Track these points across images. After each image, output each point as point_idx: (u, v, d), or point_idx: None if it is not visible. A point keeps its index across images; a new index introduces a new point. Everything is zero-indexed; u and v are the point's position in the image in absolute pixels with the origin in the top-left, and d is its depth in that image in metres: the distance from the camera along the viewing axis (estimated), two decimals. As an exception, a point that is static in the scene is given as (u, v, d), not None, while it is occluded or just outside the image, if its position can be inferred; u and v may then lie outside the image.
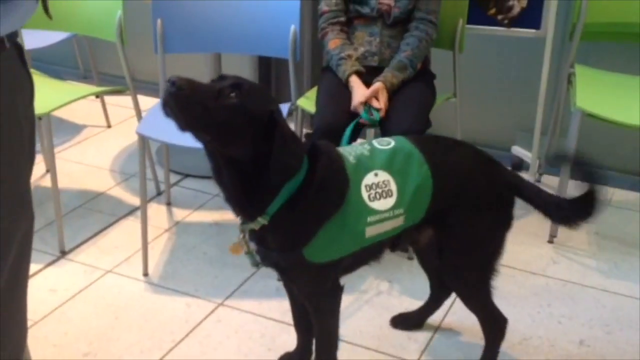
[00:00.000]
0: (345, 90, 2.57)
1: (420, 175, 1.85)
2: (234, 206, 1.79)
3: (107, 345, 2.31)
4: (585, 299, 2.56)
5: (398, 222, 1.84)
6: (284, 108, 2.72)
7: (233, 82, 1.65)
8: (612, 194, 3.28)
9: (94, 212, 3.07)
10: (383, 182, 1.83)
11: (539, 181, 3.34)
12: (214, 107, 1.60)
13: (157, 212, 3.07)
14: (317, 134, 2.48)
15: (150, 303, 2.51)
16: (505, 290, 2.58)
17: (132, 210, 3.08)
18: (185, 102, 1.56)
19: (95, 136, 3.76)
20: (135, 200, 3.12)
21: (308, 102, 2.73)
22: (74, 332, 2.36)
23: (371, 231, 1.81)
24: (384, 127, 2.52)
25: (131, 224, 2.97)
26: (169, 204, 3.14)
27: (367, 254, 1.91)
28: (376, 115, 2.46)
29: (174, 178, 3.29)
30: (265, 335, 2.36)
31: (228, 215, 3.05)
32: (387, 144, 1.89)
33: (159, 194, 3.20)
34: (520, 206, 3.14)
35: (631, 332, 2.40)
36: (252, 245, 1.87)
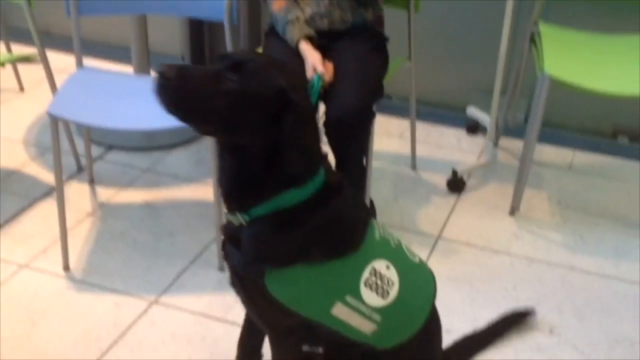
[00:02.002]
0: (297, 59, 2.27)
1: (420, 308, 1.62)
2: (222, 190, 1.52)
3: (23, 358, 2.01)
4: (552, 279, 2.37)
5: (364, 326, 1.55)
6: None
7: (233, 62, 1.38)
8: (573, 157, 3.09)
9: (6, 194, 2.71)
10: (388, 280, 1.55)
11: (496, 145, 3.12)
12: (210, 95, 1.36)
13: (78, 192, 2.73)
14: None
15: (72, 304, 2.21)
16: (468, 273, 2.38)
17: (49, 191, 2.73)
18: (177, 95, 1.36)
19: (6, 103, 3.36)
20: (53, 179, 2.77)
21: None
22: (-16, 344, 2.06)
23: (339, 311, 1.51)
24: (326, 103, 2.25)
25: (48, 208, 2.63)
26: (91, 182, 2.80)
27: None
28: (315, 83, 2.15)
29: (96, 151, 2.94)
30: (206, 338, 2.09)
31: (161, 194, 2.75)
32: (412, 256, 1.66)
33: (79, 170, 2.86)
34: (477, 175, 2.97)
35: (602, 316, 2.22)
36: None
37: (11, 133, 3.12)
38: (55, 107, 2.20)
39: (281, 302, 1.50)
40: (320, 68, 2.20)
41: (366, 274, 1.51)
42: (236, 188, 1.48)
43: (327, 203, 1.47)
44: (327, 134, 2.38)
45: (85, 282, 2.30)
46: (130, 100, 2.30)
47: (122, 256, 2.41)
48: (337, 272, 1.50)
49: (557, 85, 2.42)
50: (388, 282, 1.54)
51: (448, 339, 2.06)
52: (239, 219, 1.49)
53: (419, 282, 1.64)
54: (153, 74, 3.05)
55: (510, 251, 2.50)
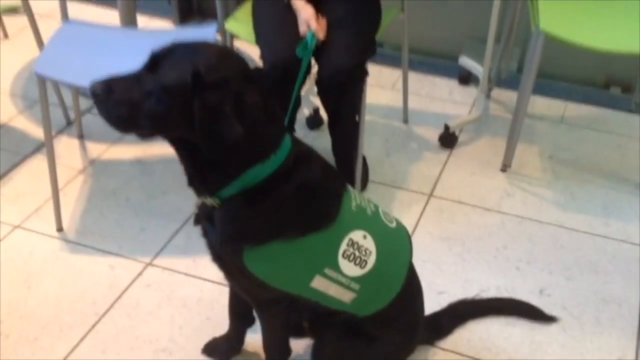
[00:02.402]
0: (289, 14, 2.22)
1: (397, 274, 1.65)
2: (186, 178, 1.51)
3: (20, 324, 2.02)
4: (543, 238, 2.40)
5: (344, 295, 1.58)
6: (209, 31, 2.35)
7: (150, 61, 1.36)
8: (565, 109, 3.08)
9: (-5, 150, 2.69)
10: (366, 249, 1.56)
11: (488, 96, 3.10)
12: (135, 102, 1.36)
13: (67, 147, 2.71)
14: (271, 74, 2.15)
15: (67, 266, 2.21)
16: (460, 232, 2.40)
17: (39, 147, 2.70)
18: (109, 109, 1.40)
19: (-10, 51, 3.29)
20: (42, 133, 2.74)
21: (239, 26, 2.36)
22: (-19, 308, 2.07)
23: (318, 284, 1.54)
24: (317, 61, 2.22)
25: (39, 165, 2.61)
26: (80, 137, 2.76)
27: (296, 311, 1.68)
28: (309, 41, 2.11)
29: (85, 103, 2.89)
30: (202, 301, 2.11)
31: (152, 151, 2.73)
32: (389, 221, 1.67)
33: (68, 124, 2.82)
34: (469, 130, 2.95)
35: (592, 276, 2.26)
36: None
37: (-4, 84, 3.06)
38: (42, 66, 2.15)
39: (260, 278, 1.51)
40: (313, 24, 2.16)
41: (344, 246, 1.53)
42: (198, 176, 1.48)
43: (294, 175, 1.47)
44: (319, 92, 2.36)
45: (79, 243, 2.30)
46: (117, 56, 2.25)
47: (115, 216, 2.40)
48: (314, 246, 1.51)
49: (552, 41, 2.39)
50: (365, 251, 1.56)
51: (440, 300, 2.11)
52: (210, 201, 1.50)
53: (395, 247, 1.67)
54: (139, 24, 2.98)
55: (501, 209, 2.52)
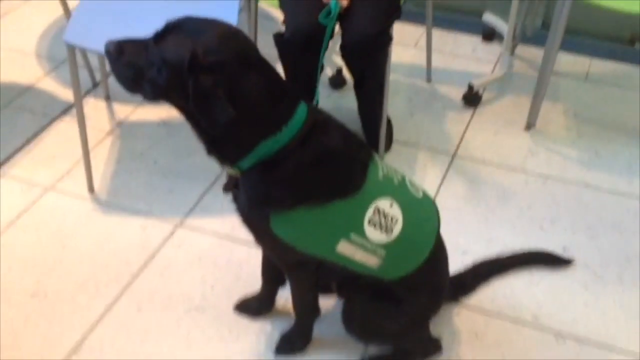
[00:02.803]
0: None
1: (423, 242, 1.68)
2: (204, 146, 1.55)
3: (57, 282, 2.09)
4: (567, 198, 2.42)
5: (370, 260, 1.61)
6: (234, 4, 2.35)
7: (162, 30, 1.43)
8: (589, 66, 3.07)
9: (24, 112, 2.73)
10: (392, 217, 1.58)
11: (512, 54, 3.09)
12: (141, 66, 1.44)
13: (95, 109, 2.74)
14: (293, 40, 2.16)
15: (100, 227, 2.27)
16: (484, 192, 2.43)
17: (67, 109, 2.74)
18: (117, 68, 1.49)
19: (13, 12, 3.30)
20: (70, 95, 2.76)
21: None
22: (18, 268, 2.13)
23: (344, 248, 1.57)
24: (342, 27, 2.22)
25: (68, 127, 2.65)
26: (107, 98, 2.80)
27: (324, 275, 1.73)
28: (333, 8, 2.11)
29: (108, 65, 2.91)
30: (231, 261, 2.17)
31: (176, 112, 2.74)
32: (416, 191, 1.69)
33: (94, 85, 2.85)
34: (493, 88, 2.95)
35: (614, 235, 2.28)
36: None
37: (22, 45, 3.09)
38: (71, 34, 2.16)
39: (287, 242, 1.56)
40: None
41: (370, 213, 1.56)
42: (213, 149, 1.51)
43: (311, 142, 1.49)
44: (344, 57, 2.38)
45: (110, 204, 2.35)
46: (144, 22, 2.25)
47: (144, 178, 2.45)
48: (340, 213, 1.54)
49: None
50: (392, 219, 1.59)
51: (464, 260, 2.14)
52: (231, 171, 1.54)
53: (422, 216, 1.70)
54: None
55: (525, 168, 2.54)
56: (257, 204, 1.56)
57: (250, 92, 1.42)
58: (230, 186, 1.64)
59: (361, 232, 1.57)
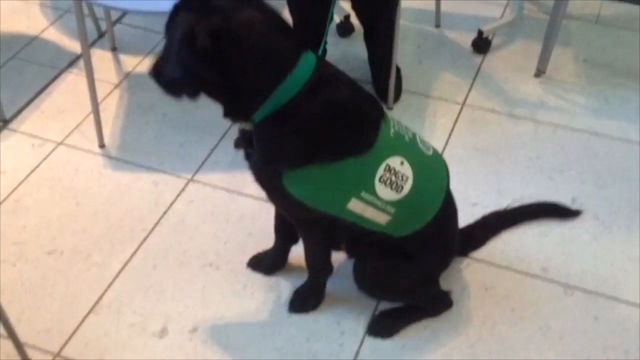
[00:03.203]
0: None
1: (433, 199, 1.69)
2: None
3: (72, 240, 2.13)
4: (576, 146, 2.42)
5: (380, 217, 1.63)
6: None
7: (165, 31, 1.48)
8: (600, 8, 3.02)
9: (30, 64, 2.71)
10: (403, 175, 1.59)
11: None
12: (168, 71, 1.48)
13: (101, 60, 2.72)
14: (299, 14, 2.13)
15: (112, 183, 2.29)
16: (493, 142, 2.43)
17: (73, 60, 2.72)
18: (162, 85, 1.53)
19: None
20: (76, 46, 2.75)
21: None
22: (33, 226, 2.16)
23: (354, 206, 1.59)
24: None
25: (75, 79, 2.64)
26: (113, 49, 2.78)
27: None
28: None
29: (115, 13, 2.88)
30: (244, 217, 2.19)
31: (184, 63, 2.73)
32: (427, 148, 1.71)
33: (100, 36, 2.83)
34: (502, 33, 2.91)
35: (623, 184, 2.30)
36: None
37: (25, -7, 3.05)
38: (78, -14, 2.14)
39: (298, 199, 1.58)
40: None
41: (380, 171, 1.58)
42: (228, 103, 1.53)
43: (318, 94, 1.49)
44: (354, 7, 2.35)
45: (121, 159, 2.37)
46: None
47: (154, 132, 2.45)
48: (351, 170, 1.56)
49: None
50: (402, 177, 1.61)
51: (474, 211, 2.17)
52: (245, 125, 1.56)
53: (432, 174, 1.71)
54: None
55: (535, 117, 2.53)
56: (269, 160, 1.58)
57: (252, 35, 1.43)
58: (242, 143, 1.64)
59: (372, 190, 1.58)
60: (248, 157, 1.67)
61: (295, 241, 1.97)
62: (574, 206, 2.22)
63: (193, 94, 1.49)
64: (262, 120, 1.51)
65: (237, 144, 1.68)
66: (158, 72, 1.53)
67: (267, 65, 1.46)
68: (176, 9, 1.45)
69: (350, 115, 1.55)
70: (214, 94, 1.51)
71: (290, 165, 1.55)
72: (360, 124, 1.57)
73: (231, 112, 1.55)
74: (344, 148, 1.54)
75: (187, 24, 1.38)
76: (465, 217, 2.08)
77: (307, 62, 1.49)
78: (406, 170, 1.61)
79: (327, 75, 1.53)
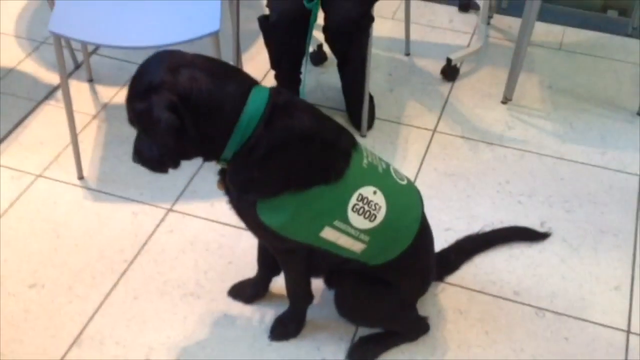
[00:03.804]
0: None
1: (407, 228, 1.75)
2: None
3: (53, 273, 2.15)
4: (543, 171, 2.51)
5: (355, 246, 1.69)
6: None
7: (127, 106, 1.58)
8: (563, 35, 3.13)
9: (8, 97, 2.73)
10: (376, 204, 1.65)
11: (489, 24, 3.14)
12: (145, 150, 1.60)
13: (78, 92, 2.76)
14: (279, 24, 2.19)
15: (92, 215, 2.32)
16: (464, 167, 2.51)
17: (51, 91, 2.75)
18: (150, 168, 1.64)
19: (-12, -11, 3.27)
20: (53, 77, 2.79)
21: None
22: (14, 259, 2.18)
23: (328, 234, 1.65)
24: (324, 10, 2.26)
25: (53, 110, 2.67)
26: (90, 80, 2.81)
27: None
28: None
29: (89, 46, 2.91)
30: (223, 246, 2.23)
31: (161, 94, 2.77)
32: (400, 178, 1.76)
33: (77, 67, 2.86)
34: (471, 60, 3.00)
35: (589, 207, 2.39)
36: None
37: (0, 26, 3.07)
38: (56, 23, 2.17)
39: (273, 229, 1.63)
40: None
41: (353, 200, 1.63)
42: (198, 149, 1.60)
43: (274, 124, 1.54)
44: (327, 40, 2.41)
45: (101, 191, 2.40)
46: (132, 10, 2.28)
47: (132, 162, 2.47)
48: (324, 199, 1.61)
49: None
50: (375, 206, 1.66)
51: (447, 236, 2.24)
52: (220, 164, 1.63)
53: (406, 203, 1.77)
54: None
55: (503, 143, 2.61)
56: (243, 190, 1.63)
57: (192, 92, 1.49)
58: (222, 182, 1.70)
59: (345, 219, 1.63)
60: (227, 192, 1.72)
61: (277, 273, 2.01)
62: (542, 229, 2.30)
63: (175, 165, 1.62)
64: (232, 157, 1.58)
65: (220, 185, 1.73)
66: (142, 158, 1.63)
67: (219, 112, 1.52)
68: (128, 101, 1.55)
69: (314, 143, 1.59)
70: (186, 154, 1.61)
71: (261, 195, 1.61)
72: (327, 152, 1.61)
73: (201, 154, 1.63)
74: (312, 176, 1.59)
75: (144, 111, 1.49)
76: (439, 242, 2.13)
77: (258, 96, 1.55)
78: (379, 199, 1.67)
79: (282, 104, 1.56)
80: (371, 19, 2.33)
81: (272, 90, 1.58)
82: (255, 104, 1.53)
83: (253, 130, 1.53)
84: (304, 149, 1.58)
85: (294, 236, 1.66)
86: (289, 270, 1.88)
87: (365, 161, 1.67)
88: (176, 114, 1.46)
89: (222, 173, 1.68)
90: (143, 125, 1.54)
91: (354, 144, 1.67)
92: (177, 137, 1.48)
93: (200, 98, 1.49)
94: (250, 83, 1.57)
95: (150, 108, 1.46)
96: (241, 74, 1.59)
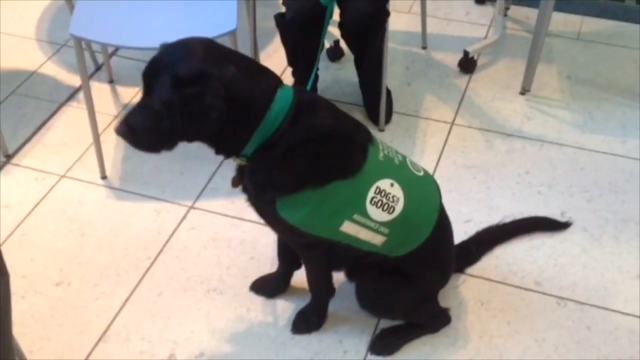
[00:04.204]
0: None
1: (426, 218, 1.76)
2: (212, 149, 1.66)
3: (79, 270, 2.19)
4: (563, 161, 2.51)
5: (374, 239, 1.71)
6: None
7: (144, 83, 1.54)
8: (581, 25, 3.12)
9: (30, 99, 2.78)
10: (393, 196, 1.66)
11: (505, 15, 3.13)
12: (152, 126, 1.53)
13: (99, 93, 2.79)
14: (295, 21, 2.20)
15: (115, 213, 2.35)
16: (483, 159, 2.51)
17: (73, 93, 2.79)
18: (136, 143, 1.57)
19: (8, -5, 3.32)
20: (74, 79, 2.83)
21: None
22: (41, 258, 2.22)
23: (348, 228, 1.66)
24: (340, 7, 2.27)
25: (75, 112, 2.71)
26: (111, 81, 2.85)
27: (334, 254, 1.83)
28: None
29: (110, 47, 2.94)
30: (244, 242, 2.26)
31: (180, 93, 2.81)
32: (417, 170, 1.77)
33: (97, 69, 2.90)
34: (488, 52, 3.00)
35: (610, 197, 2.38)
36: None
37: (21, 30, 3.12)
38: (76, 26, 2.21)
39: (293, 225, 1.65)
40: None
41: (371, 193, 1.65)
42: (219, 143, 1.61)
43: (299, 123, 1.57)
44: (343, 35, 2.43)
45: (123, 189, 2.43)
46: (150, 11, 2.31)
47: (154, 161, 2.51)
48: (342, 194, 1.63)
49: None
50: (393, 198, 1.68)
51: (467, 228, 2.24)
52: (239, 161, 1.64)
53: (423, 194, 1.78)
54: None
55: (522, 134, 2.61)
56: (262, 189, 1.65)
57: (233, 86, 1.50)
58: (238, 180, 1.72)
59: (363, 212, 1.65)
60: (245, 190, 1.74)
61: (298, 266, 2.04)
62: (563, 219, 2.30)
63: (172, 147, 1.58)
64: (253, 153, 1.60)
65: (234, 183, 1.75)
66: (134, 135, 1.56)
67: (250, 108, 1.54)
68: (172, 83, 1.49)
69: (334, 140, 1.62)
70: (207, 140, 1.60)
71: (281, 192, 1.63)
72: (345, 148, 1.64)
73: (222, 151, 1.64)
74: (332, 171, 1.61)
75: (194, 96, 1.47)
76: (459, 234, 2.14)
77: (284, 95, 1.58)
78: (397, 191, 1.68)
79: (306, 103, 1.60)
80: (387, 14, 2.34)
81: (295, 88, 1.61)
82: (281, 102, 1.56)
83: (277, 128, 1.56)
84: (323, 145, 1.60)
85: (315, 231, 1.68)
86: (310, 265, 1.90)
87: (381, 154, 1.69)
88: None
89: (239, 171, 1.70)
90: (186, 109, 1.48)
91: (370, 138, 1.69)
92: (213, 124, 1.50)
93: (239, 93, 1.51)
94: (277, 81, 1.60)
95: (203, 95, 1.46)
96: (269, 72, 1.62)
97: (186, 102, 1.47)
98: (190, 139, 1.58)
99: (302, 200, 1.62)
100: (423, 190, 1.79)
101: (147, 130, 1.54)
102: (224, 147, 1.62)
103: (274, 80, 1.60)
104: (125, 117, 1.56)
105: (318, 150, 1.60)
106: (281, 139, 1.56)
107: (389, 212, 1.68)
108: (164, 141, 1.56)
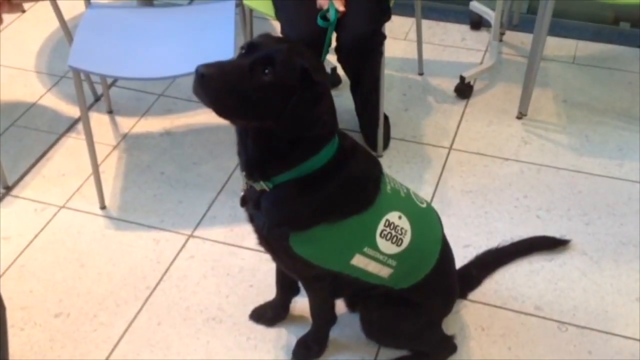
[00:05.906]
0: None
1: (430, 250, 1.78)
2: (242, 160, 1.63)
3: (78, 302, 2.18)
4: (561, 185, 2.51)
5: (383, 271, 1.71)
6: (228, 6, 2.43)
7: (264, 56, 1.46)
8: (576, 48, 3.14)
9: (30, 131, 2.79)
10: (402, 228, 1.68)
11: (501, 41, 3.16)
12: (247, 89, 1.45)
13: (99, 123, 2.81)
14: None
15: (114, 243, 2.35)
16: (481, 184, 2.52)
17: (72, 124, 2.81)
18: (216, 91, 1.45)
19: (8, 27, 3.34)
20: (73, 110, 2.85)
21: (257, 1, 2.42)
22: (40, 290, 2.22)
23: (358, 261, 1.67)
24: (337, 31, 2.29)
25: (74, 143, 2.72)
26: (110, 112, 2.86)
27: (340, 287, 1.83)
28: (333, 15, 2.18)
29: (108, 79, 2.97)
30: (244, 269, 2.26)
31: (179, 121, 2.84)
32: (420, 202, 1.80)
33: (97, 99, 2.92)
34: (484, 77, 3.02)
35: (609, 219, 2.38)
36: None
37: (20, 62, 3.14)
38: (75, 58, 2.23)
39: (306, 259, 1.66)
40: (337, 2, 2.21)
41: (381, 226, 1.66)
42: (259, 161, 1.58)
43: (344, 166, 1.59)
44: (340, 59, 2.44)
45: (122, 219, 2.43)
46: (147, 42, 2.34)
47: (153, 190, 2.52)
48: (355, 228, 1.64)
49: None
50: (401, 231, 1.69)
51: (467, 253, 2.24)
52: (262, 185, 1.61)
53: (428, 225, 1.80)
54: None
55: (519, 158, 2.62)
56: (278, 223, 1.64)
57: (323, 109, 1.53)
58: (249, 203, 1.71)
59: (374, 245, 1.66)
60: (252, 219, 1.74)
61: (296, 293, 2.04)
62: (561, 238, 2.30)
63: (250, 120, 1.52)
64: (282, 183, 1.59)
65: (243, 202, 1.75)
66: (209, 85, 1.45)
67: (318, 138, 1.55)
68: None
69: (360, 181, 1.64)
70: (260, 148, 1.56)
71: (297, 229, 1.62)
72: (366, 185, 1.66)
73: (255, 168, 1.59)
74: (351, 208, 1.63)
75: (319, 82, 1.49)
76: (458, 258, 2.12)
77: (335, 138, 1.60)
78: (404, 224, 1.70)
79: (349, 147, 1.63)
80: (383, 37, 2.36)
81: (338, 132, 1.63)
82: (334, 143, 1.58)
83: (323, 165, 1.57)
84: (354, 186, 1.62)
85: (325, 265, 1.69)
86: (314, 296, 1.90)
87: (388, 187, 1.70)
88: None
89: (249, 192, 1.69)
90: (300, 99, 1.46)
91: (382, 171, 1.71)
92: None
93: (327, 100, 1.55)
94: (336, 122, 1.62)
95: (322, 98, 1.50)
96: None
97: (304, 96, 1.47)
98: (263, 121, 1.50)
99: (316, 235, 1.62)
100: (427, 222, 1.80)
101: (236, 91, 1.45)
102: (266, 163, 1.58)
103: (336, 118, 1.62)
104: (218, 63, 1.47)
105: (344, 191, 1.61)
106: (324, 176, 1.57)
107: (397, 245, 1.69)
108: (239, 111, 1.49)
